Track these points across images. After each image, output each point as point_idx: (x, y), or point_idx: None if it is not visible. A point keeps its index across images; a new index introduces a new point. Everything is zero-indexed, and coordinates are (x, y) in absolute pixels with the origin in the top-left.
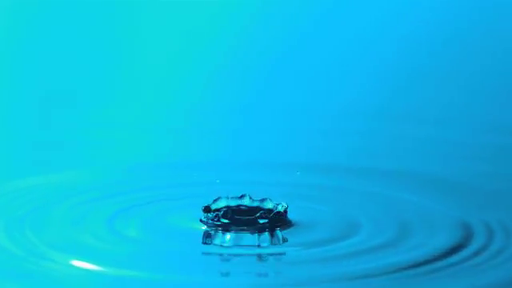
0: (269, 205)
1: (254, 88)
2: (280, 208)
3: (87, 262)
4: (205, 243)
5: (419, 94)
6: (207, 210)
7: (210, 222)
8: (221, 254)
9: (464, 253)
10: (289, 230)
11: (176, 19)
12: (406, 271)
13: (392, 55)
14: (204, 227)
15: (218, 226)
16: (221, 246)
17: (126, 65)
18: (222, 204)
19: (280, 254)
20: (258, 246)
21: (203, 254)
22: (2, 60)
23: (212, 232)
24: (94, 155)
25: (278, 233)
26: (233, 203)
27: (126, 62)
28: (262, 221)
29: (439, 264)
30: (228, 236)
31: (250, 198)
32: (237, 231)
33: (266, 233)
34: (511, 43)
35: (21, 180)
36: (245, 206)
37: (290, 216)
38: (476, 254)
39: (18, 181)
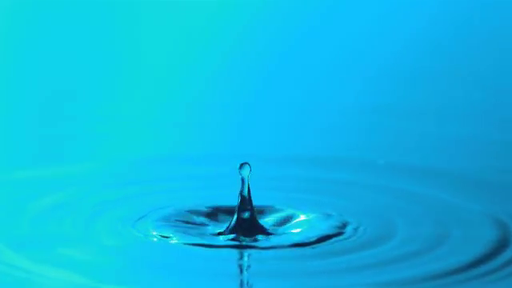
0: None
1: (267, 83)
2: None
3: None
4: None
5: (444, 91)
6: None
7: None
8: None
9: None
10: (324, 241)
11: (179, 13)
12: (459, 274)
13: (414, 50)
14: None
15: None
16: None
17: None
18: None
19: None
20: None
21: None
22: (7, 54)
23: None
24: (90, 150)
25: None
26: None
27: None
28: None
29: (492, 265)
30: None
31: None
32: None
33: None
34: None
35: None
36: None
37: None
38: None
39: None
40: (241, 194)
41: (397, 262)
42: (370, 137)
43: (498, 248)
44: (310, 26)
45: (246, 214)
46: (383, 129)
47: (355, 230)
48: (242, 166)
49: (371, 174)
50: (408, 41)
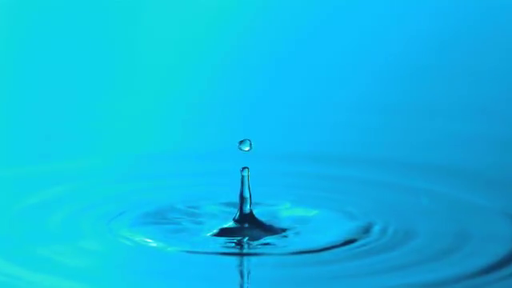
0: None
1: (278, 81)
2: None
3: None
4: None
5: (460, 89)
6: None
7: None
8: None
9: None
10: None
11: (182, 8)
12: (485, 276)
13: (425, 48)
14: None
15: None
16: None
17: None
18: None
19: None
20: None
21: None
22: (6, 52)
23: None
24: (85, 148)
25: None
26: None
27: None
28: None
29: None
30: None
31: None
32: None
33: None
34: None
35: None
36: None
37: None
38: None
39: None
40: (241, 184)
41: (421, 264)
42: (385, 135)
43: None
44: (319, 23)
45: (247, 208)
46: (399, 127)
47: (382, 230)
48: (242, 142)
49: (386, 173)
50: (418, 39)
